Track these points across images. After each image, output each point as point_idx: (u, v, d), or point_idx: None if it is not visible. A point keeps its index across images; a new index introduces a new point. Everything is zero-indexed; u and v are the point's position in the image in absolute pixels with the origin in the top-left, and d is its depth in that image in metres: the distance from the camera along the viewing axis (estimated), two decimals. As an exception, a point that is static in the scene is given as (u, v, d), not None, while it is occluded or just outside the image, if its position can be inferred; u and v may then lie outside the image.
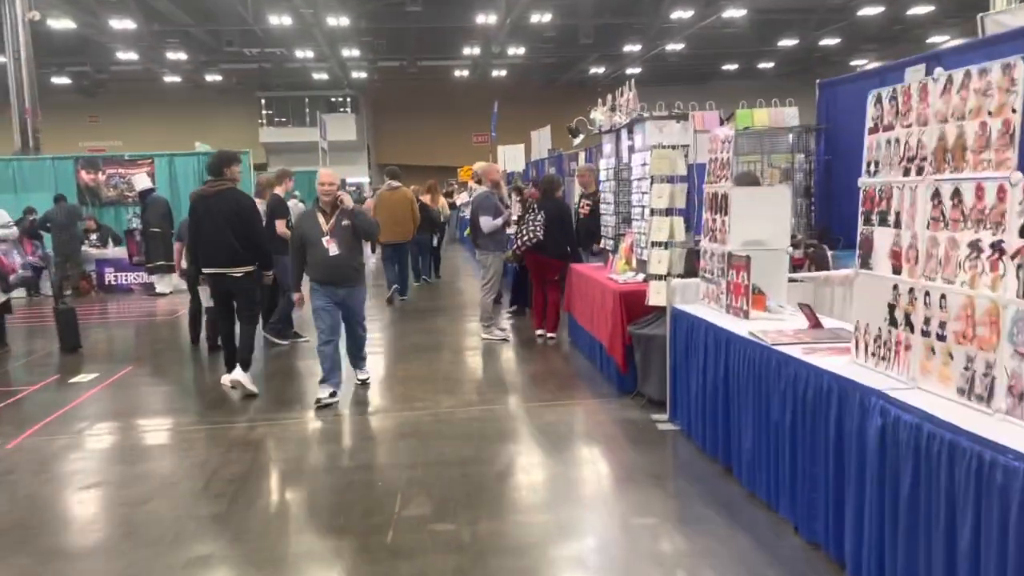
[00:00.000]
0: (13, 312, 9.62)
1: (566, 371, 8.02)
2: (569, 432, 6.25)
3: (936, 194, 3.35)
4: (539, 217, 9.22)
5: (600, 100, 8.56)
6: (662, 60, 34.05)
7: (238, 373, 7.21)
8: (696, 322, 5.63)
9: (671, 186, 6.66)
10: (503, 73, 35.93)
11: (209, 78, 35.32)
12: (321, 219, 6.86)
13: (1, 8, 19.93)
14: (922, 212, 3.44)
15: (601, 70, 35.52)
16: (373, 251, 14.88)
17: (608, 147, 8.72)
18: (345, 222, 6.86)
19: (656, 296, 6.59)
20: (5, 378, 8.41)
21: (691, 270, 6.56)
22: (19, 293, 14.14)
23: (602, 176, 8.91)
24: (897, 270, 3.62)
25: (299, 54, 31.19)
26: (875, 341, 3.80)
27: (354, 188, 38.04)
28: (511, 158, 30.28)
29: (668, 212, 6.68)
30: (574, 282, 8.83)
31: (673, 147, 6.72)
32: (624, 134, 8.01)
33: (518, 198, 17.28)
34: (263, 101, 39.05)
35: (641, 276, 7.35)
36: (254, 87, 37.97)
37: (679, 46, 30.85)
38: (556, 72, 36.62)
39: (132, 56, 30.28)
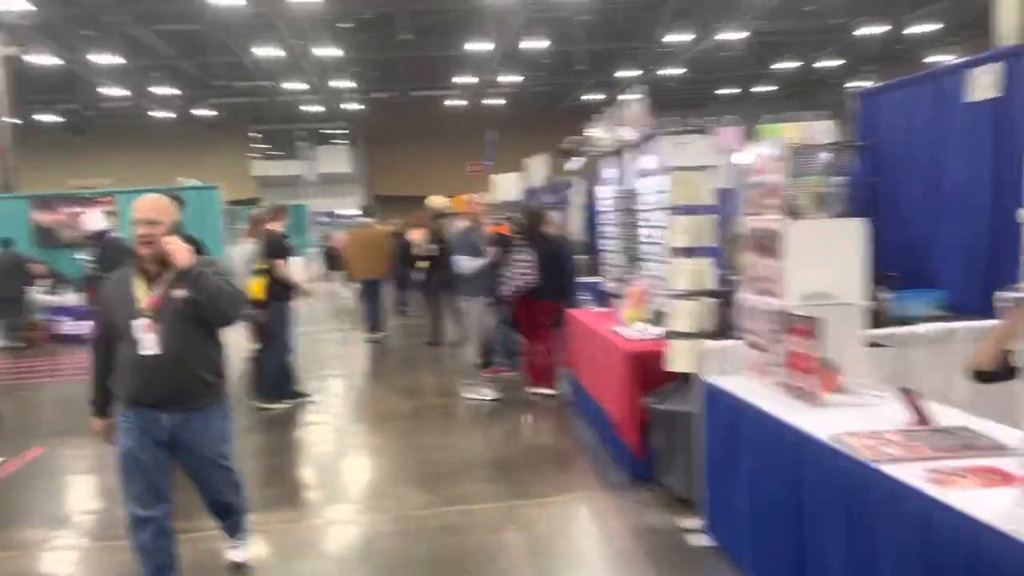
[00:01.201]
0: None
1: (566, 447, 6.37)
2: (569, 549, 4.59)
3: None
4: (526, 256, 7.69)
5: (598, 115, 7.02)
6: (658, 85, 32.59)
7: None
8: (742, 407, 4.00)
9: (695, 218, 5.07)
10: (498, 102, 34.56)
11: (199, 112, 33.92)
12: (139, 287, 3.78)
13: (-26, 43, 18.67)
14: None
15: (598, 96, 34.12)
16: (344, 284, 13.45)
17: (611, 171, 7.14)
18: (179, 292, 3.72)
19: (679, 361, 4.97)
20: None
21: (722, 326, 4.97)
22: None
23: (603, 206, 7.31)
24: None
25: (290, 86, 29.80)
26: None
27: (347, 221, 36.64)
28: (507, 188, 28.91)
29: (691, 252, 5.10)
30: (572, 333, 7.21)
31: (697, 169, 5.13)
32: (630, 155, 6.42)
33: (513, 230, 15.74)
34: (256, 135, 37.63)
35: (657, 330, 5.73)
36: (246, 121, 36.55)
37: (676, 71, 29.47)
38: (551, 99, 35.24)
39: (120, 92, 28.91)
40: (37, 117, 32.54)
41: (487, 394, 7.83)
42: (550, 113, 37.18)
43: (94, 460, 6.62)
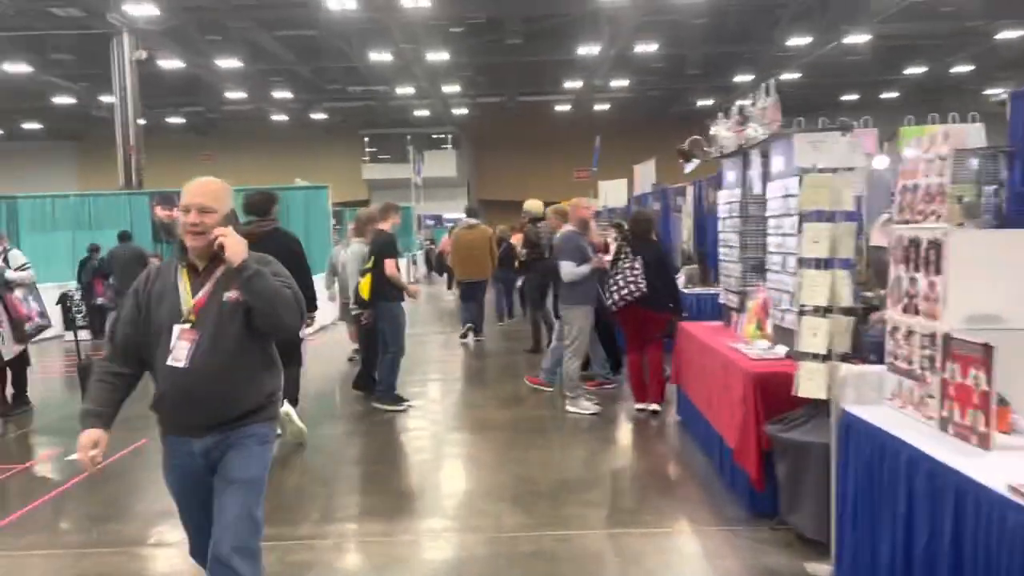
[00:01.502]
0: (32, 364, 8.17)
1: (674, 471, 5.86)
2: (680, 590, 4.12)
3: None
4: (636, 263, 7.19)
5: (722, 113, 6.49)
6: (776, 91, 31.38)
7: (288, 409, 6.47)
8: (890, 443, 3.44)
9: (831, 226, 4.50)
10: (606, 107, 34.02)
11: (315, 116, 34.81)
12: (183, 285, 3.14)
13: (110, 48, 19.56)
14: None
15: (710, 102, 33.09)
16: (449, 288, 13.21)
17: (732, 174, 6.60)
18: (229, 294, 3.09)
19: (810, 385, 4.41)
20: (18, 442, 6.91)
21: (858, 348, 4.40)
22: (82, 336, 13.00)
23: (723, 211, 6.77)
24: None
25: (401, 91, 30.17)
26: None
27: (452, 224, 36.87)
28: (612, 194, 28.31)
29: (826, 263, 4.54)
30: (685, 348, 6.69)
31: (834, 171, 4.56)
32: (756, 156, 5.88)
33: (618, 236, 15.24)
34: (366, 139, 38.33)
35: (780, 349, 5.18)
36: (358, 124, 37.29)
37: (795, 75, 28.22)
38: (661, 104, 34.45)
39: (241, 95, 29.94)
40: (166, 119, 34.08)
41: (588, 408, 7.40)
42: (658, 119, 36.38)
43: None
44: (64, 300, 13.07)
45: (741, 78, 28.46)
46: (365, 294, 7.62)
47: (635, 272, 7.12)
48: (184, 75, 27.09)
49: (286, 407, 6.65)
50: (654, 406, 7.32)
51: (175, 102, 31.98)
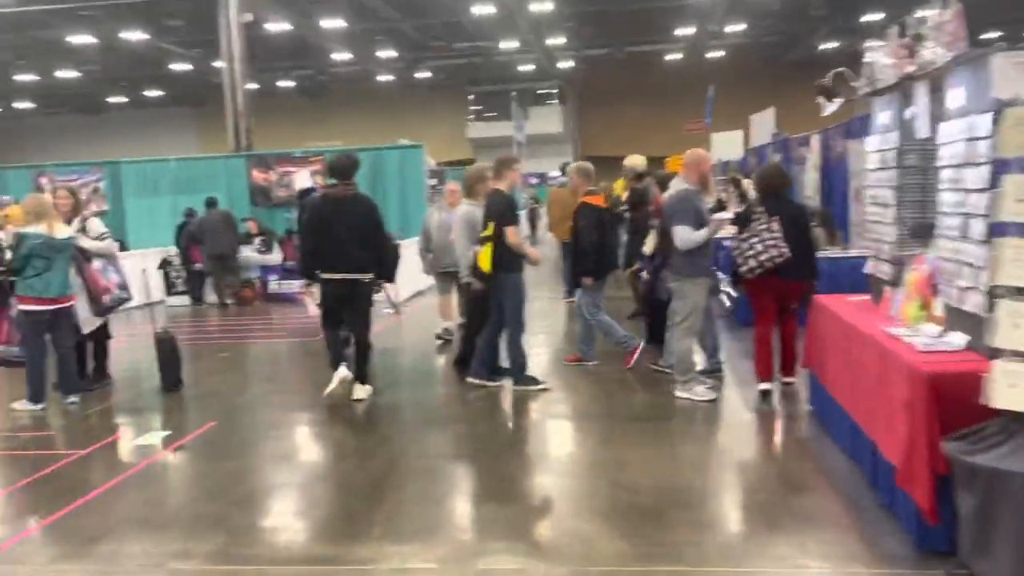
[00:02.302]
0: (113, 337, 7.74)
1: (813, 483, 4.67)
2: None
3: None
4: (774, 224, 6.04)
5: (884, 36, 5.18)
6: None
7: (359, 390, 6.60)
8: None
9: (1047, 178, 3.25)
10: (720, 54, 31.82)
11: (419, 75, 34.17)
12: None
13: (216, 12, 19.33)
14: None
15: (833, 45, 30.45)
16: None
17: (885, 115, 5.27)
18: None
19: (1011, 393, 3.23)
20: (69, 431, 6.42)
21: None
22: (182, 300, 12.78)
23: (873, 162, 5.45)
24: None
25: (505, 45, 29.05)
26: None
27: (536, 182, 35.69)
28: (726, 146, 26.38)
29: (1033, 228, 3.30)
30: (822, 327, 5.48)
31: (1051, 102, 3.28)
32: (922, 89, 4.55)
33: (735, 192, 13.81)
34: (471, 96, 37.46)
35: (957, 338, 3.95)
36: (463, 82, 36.44)
37: (931, 12, 25.34)
38: (779, 50, 31.94)
39: (347, 56, 29.57)
40: (277, 83, 34.21)
41: (702, 394, 6.29)
42: (776, 66, 33.87)
43: (261, 438, 5.90)
44: (164, 265, 12.88)
45: (870, 17, 25.82)
46: (486, 265, 6.54)
47: (774, 234, 6.01)
48: (291, 37, 26.85)
49: (359, 391, 6.61)
50: (788, 379, 6.35)
51: (285, 66, 31.97)
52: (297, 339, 9.66)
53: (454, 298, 8.60)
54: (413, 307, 11.01)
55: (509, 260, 6.55)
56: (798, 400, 5.99)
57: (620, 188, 11.53)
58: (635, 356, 7.27)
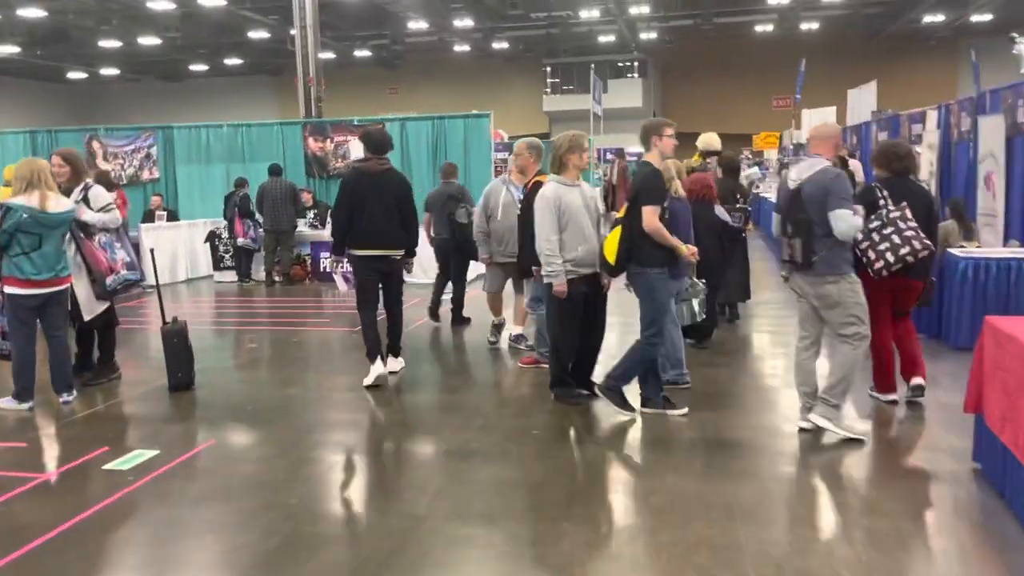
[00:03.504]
0: (119, 323, 6.66)
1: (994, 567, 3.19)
2: None
3: None
4: (908, 213, 4.86)
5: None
6: (1021, 3, 25.54)
7: (392, 363, 6.42)
8: None
9: None
10: (814, 26, 29.30)
11: (496, 46, 32.63)
12: None
13: (289, -22, 18.35)
14: None
15: (939, 18, 27.67)
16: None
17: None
18: None
19: None
20: (46, 442, 5.29)
21: None
22: (230, 276, 11.78)
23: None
24: None
25: (585, 15, 27.29)
26: None
27: (635, 158, 33.88)
28: (817, 123, 24.15)
29: None
30: (1000, 359, 3.91)
31: None
32: None
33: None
34: (548, 69, 35.76)
35: None
36: (541, 54, 34.75)
37: (1054, -20, 22.55)
38: (880, 23, 29.18)
39: (423, 25, 28.31)
40: (354, 53, 33.26)
41: (856, 431, 4.75)
42: (875, 40, 31.14)
43: (264, 471, 4.64)
44: (211, 238, 11.90)
45: (984, -14, 23.18)
46: (612, 255, 5.15)
47: (910, 224, 4.77)
48: (368, 5, 25.75)
49: (393, 364, 6.41)
50: (918, 380, 5.27)
51: (361, 36, 30.95)
52: (342, 328, 8.42)
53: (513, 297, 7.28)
54: (471, 293, 9.66)
55: (648, 251, 5.02)
56: (961, 458, 4.38)
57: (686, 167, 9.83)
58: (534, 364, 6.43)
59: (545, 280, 5.35)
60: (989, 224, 9.03)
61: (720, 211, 6.82)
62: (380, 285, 6.21)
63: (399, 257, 6.23)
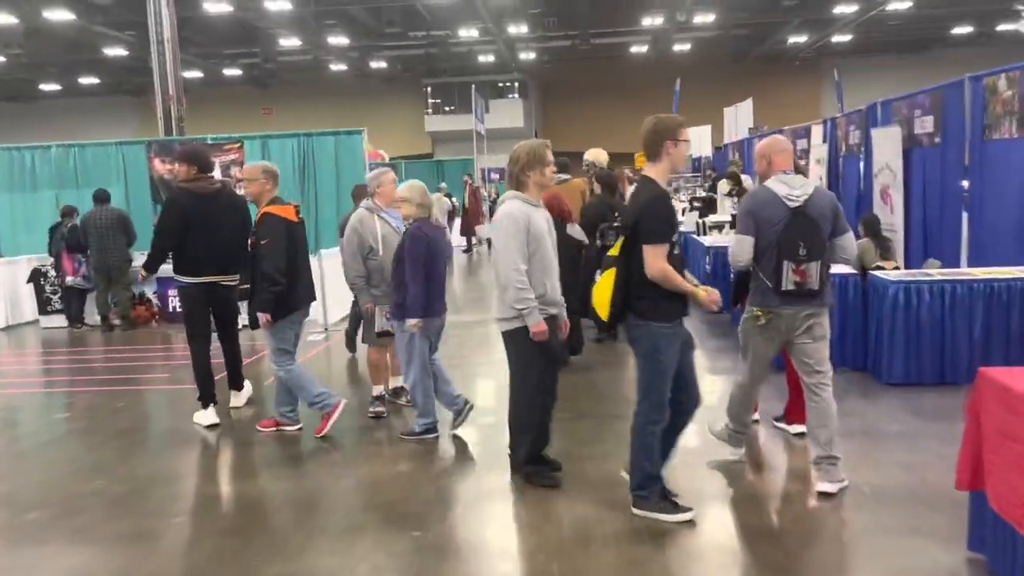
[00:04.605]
0: None
1: None
2: None
3: None
4: None
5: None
6: (877, 25, 26.44)
7: (237, 397, 5.98)
8: None
9: None
10: (686, 47, 29.44)
11: (375, 65, 31.20)
12: None
13: (145, -11, 16.38)
14: None
15: (802, 39, 28.33)
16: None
17: None
18: None
19: None
20: None
21: None
22: (59, 321, 9.88)
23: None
24: None
25: (464, 34, 26.31)
26: None
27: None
28: (696, 142, 24.09)
29: None
30: (999, 421, 2.97)
31: None
32: None
33: (734, 188, 11.38)
34: (428, 89, 34.56)
35: None
36: (421, 74, 33.52)
37: (903, 5, 23.30)
38: (748, 44, 29.65)
39: (296, 42, 26.56)
40: (223, 71, 31.02)
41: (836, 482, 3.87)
42: (745, 61, 31.68)
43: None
44: (36, 277, 9.97)
45: (842, 9, 23.67)
46: (604, 307, 3.75)
47: None
48: (233, 20, 23.83)
49: (245, 395, 6.09)
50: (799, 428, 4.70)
51: (230, 53, 28.84)
52: (187, 385, 6.64)
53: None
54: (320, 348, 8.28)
55: (651, 299, 3.68)
56: (955, 545, 3.41)
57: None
58: (333, 418, 5.23)
59: (512, 323, 4.07)
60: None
61: (574, 229, 6.49)
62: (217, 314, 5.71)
63: (234, 284, 5.62)
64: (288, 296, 5.08)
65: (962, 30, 28.24)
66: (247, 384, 6.10)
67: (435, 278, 4.91)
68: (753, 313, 4.06)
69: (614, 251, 3.76)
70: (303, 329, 5.41)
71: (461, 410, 5.15)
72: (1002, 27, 27.70)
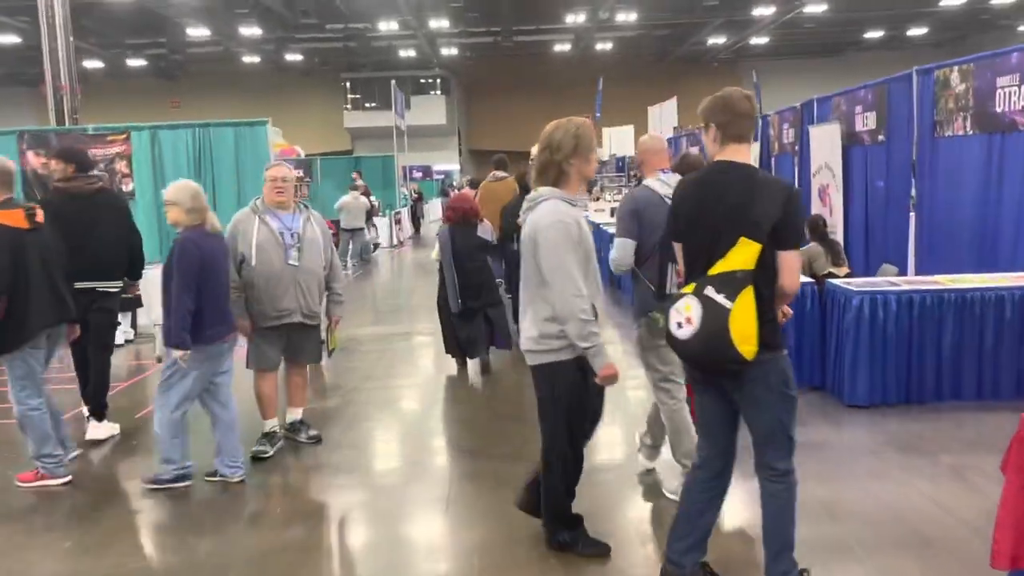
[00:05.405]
0: None
1: None
2: None
3: None
4: None
5: None
6: (793, 27, 26.57)
7: (96, 429, 4.94)
8: None
9: None
10: (608, 47, 29.01)
11: (290, 58, 29.64)
12: None
13: (29, -34, 14.70)
14: None
15: (721, 40, 28.26)
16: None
17: None
18: None
19: None
20: None
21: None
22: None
23: None
24: None
25: (384, 28, 25.13)
26: None
27: (442, 176, 32.07)
28: (619, 141, 23.63)
29: None
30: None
31: None
32: None
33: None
34: (348, 84, 33.17)
35: None
36: (340, 68, 32.12)
37: (820, 8, 23.38)
38: (669, 44, 29.43)
39: (205, 32, 24.83)
40: (127, 61, 28.93)
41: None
42: (666, 62, 31.48)
43: None
44: None
45: (761, 11, 23.61)
46: (750, 341, 2.57)
47: None
48: (137, 8, 22.04)
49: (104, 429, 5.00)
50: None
51: (134, 43, 26.85)
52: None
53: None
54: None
55: (774, 322, 2.72)
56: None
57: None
58: (47, 482, 4.18)
59: (551, 355, 3.06)
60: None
61: (483, 229, 6.30)
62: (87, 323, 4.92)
63: (113, 291, 5.05)
64: (19, 321, 3.94)
65: (874, 34, 28.72)
66: (107, 423, 5.02)
67: (212, 297, 3.96)
68: (653, 317, 3.48)
69: (744, 264, 2.62)
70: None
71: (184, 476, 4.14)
72: (912, 31, 28.29)
